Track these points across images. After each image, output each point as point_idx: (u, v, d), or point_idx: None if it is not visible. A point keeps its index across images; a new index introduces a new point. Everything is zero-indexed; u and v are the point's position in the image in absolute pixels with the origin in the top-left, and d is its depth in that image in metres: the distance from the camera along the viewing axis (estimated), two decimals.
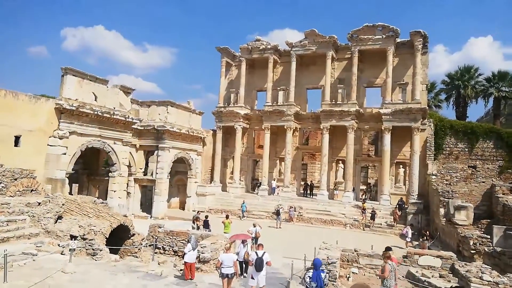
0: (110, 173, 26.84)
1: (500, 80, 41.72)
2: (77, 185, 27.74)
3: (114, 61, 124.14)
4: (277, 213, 28.85)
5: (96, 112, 23.96)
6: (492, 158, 31.79)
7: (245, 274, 13.86)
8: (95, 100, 24.57)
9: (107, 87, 25.89)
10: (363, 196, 32.02)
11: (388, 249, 11.86)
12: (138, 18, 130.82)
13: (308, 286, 9.31)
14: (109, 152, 26.04)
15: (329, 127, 33.29)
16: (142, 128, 30.39)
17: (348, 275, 13.75)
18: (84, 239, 13.95)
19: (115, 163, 26.48)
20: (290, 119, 34.70)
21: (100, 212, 16.37)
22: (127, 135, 27.33)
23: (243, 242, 14.11)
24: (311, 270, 9.65)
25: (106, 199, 24.09)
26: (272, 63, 36.50)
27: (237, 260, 11.34)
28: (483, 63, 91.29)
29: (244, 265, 14.01)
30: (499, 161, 31.54)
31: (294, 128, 35.45)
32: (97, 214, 16.19)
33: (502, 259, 15.44)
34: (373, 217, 27.70)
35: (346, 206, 31.19)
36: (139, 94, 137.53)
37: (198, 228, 22.10)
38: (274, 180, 36.40)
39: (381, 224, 28.18)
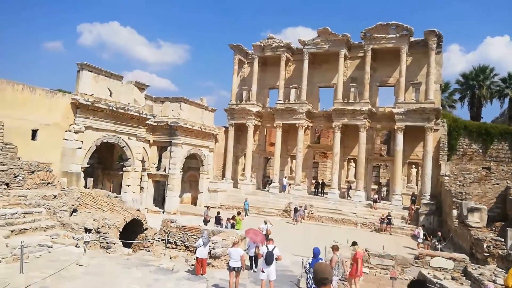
0: (124, 168, 27.20)
1: None
2: (92, 179, 28.32)
3: (129, 57, 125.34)
4: (295, 210, 29.03)
5: (111, 108, 24.29)
6: (507, 159, 31.25)
7: (255, 269, 13.97)
8: (110, 95, 24.90)
9: (122, 83, 26.22)
10: (375, 196, 31.80)
11: (354, 243, 12.90)
12: (152, 15, 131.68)
13: (308, 272, 10.28)
14: (123, 147, 26.38)
15: (341, 125, 33.14)
16: (156, 124, 30.70)
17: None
18: (98, 232, 14.23)
19: (129, 158, 26.82)
20: (302, 117, 34.64)
21: (114, 206, 16.64)
22: (141, 131, 27.65)
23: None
24: (311, 258, 10.65)
25: (120, 194, 24.42)
26: (284, 61, 36.43)
27: (244, 254, 11.65)
28: (499, 63, 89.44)
29: (254, 260, 14.13)
30: None
31: (305, 126, 35.38)
32: (111, 208, 16.47)
33: None
34: (389, 222, 27.03)
35: (357, 206, 31.06)
36: (153, 90, 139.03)
37: (206, 223, 22.36)
38: (285, 178, 36.43)
39: (392, 225, 27.96)
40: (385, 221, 27.04)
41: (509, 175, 30.86)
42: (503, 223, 25.29)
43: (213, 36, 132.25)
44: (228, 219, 21.29)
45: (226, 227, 20.08)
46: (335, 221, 29.32)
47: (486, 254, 16.95)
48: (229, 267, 11.40)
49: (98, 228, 14.45)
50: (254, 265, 14.22)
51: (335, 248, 11.61)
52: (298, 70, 36.79)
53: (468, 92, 43.79)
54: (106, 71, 24.72)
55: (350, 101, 33.07)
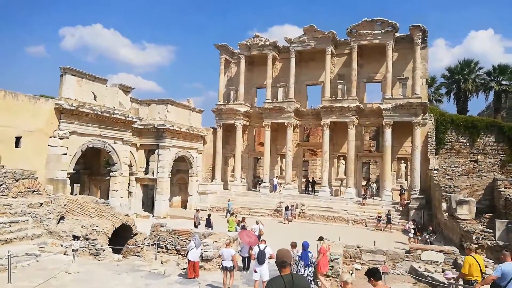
0: (111, 173, 26.83)
1: (501, 73, 41.57)
2: (79, 185, 27.84)
3: (113, 60, 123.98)
4: (286, 208, 29.10)
5: (95, 112, 23.93)
6: (493, 152, 31.71)
7: (248, 271, 13.87)
8: (95, 99, 24.54)
9: (106, 86, 25.86)
10: (363, 193, 31.92)
11: (320, 238, 13.41)
12: (136, 16, 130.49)
13: (297, 264, 11.18)
14: (109, 151, 26.01)
15: (329, 123, 33.23)
16: (142, 127, 30.36)
17: (351, 271, 13.75)
18: (87, 239, 13.97)
19: (116, 163, 26.46)
20: (290, 116, 34.63)
21: (102, 212, 16.36)
22: (127, 134, 27.30)
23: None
24: (300, 251, 11.53)
25: (107, 199, 24.10)
26: (271, 59, 36.37)
27: (235, 254, 11.72)
28: (484, 57, 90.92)
29: (247, 261, 14.04)
30: (500, 155, 31.47)
31: (294, 125, 35.38)
32: (99, 214, 16.18)
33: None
34: (389, 220, 26.56)
35: (348, 203, 31.16)
36: (139, 93, 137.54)
37: (197, 226, 22.15)
38: (275, 178, 36.37)
39: (383, 221, 28.13)
40: (384, 220, 26.84)
41: (496, 167, 31.32)
42: (491, 214, 25.51)
43: (199, 36, 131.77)
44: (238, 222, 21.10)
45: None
46: (326, 219, 29.39)
47: (475, 246, 17.11)
48: (222, 267, 11.68)
49: (87, 235, 14.18)
50: (247, 266, 14.12)
51: (292, 245, 12.43)
52: (285, 68, 36.77)
53: (454, 86, 44.32)
54: (89, 74, 24.35)
55: (338, 98, 33.19)
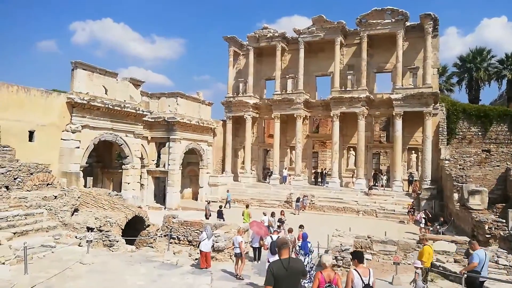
0: (123, 166, 27.15)
1: None
2: (92, 178, 28.24)
3: (123, 54, 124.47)
4: (297, 200, 29.26)
5: (107, 105, 24.16)
6: (506, 141, 31.24)
7: (259, 261, 14.03)
8: (106, 93, 24.75)
9: (117, 80, 26.04)
10: (370, 184, 31.75)
11: (300, 226, 15.16)
12: (145, 10, 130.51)
13: (298, 253, 11.84)
14: (121, 144, 26.30)
15: (339, 114, 33.05)
16: (153, 120, 30.60)
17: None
18: (101, 230, 14.25)
19: (128, 156, 26.75)
20: (299, 107, 34.51)
21: (115, 204, 16.64)
22: (138, 128, 27.55)
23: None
24: (301, 241, 12.32)
25: (120, 192, 24.41)
26: (280, 51, 36.18)
27: (242, 241, 12.16)
28: (497, 45, 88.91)
29: (258, 252, 14.19)
30: None
31: (304, 116, 35.28)
32: (112, 206, 16.47)
33: None
34: (429, 220, 24.12)
35: (358, 194, 31.11)
36: (149, 86, 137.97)
37: (208, 217, 22.35)
38: (285, 169, 36.41)
39: (394, 211, 28.07)
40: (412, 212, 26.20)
41: (509, 156, 30.88)
42: (504, 204, 25.32)
43: (208, 29, 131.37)
44: (273, 213, 19.96)
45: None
46: (336, 210, 29.40)
47: (487, 236, 17.00)
48: (234, 254, 12.38)
49: (100, 226, 14.47)
50: (258, 257, 14.27)
51: (289, 231, 14.60)
52: (294, 59, 36.56)
53: (466, 75, 43.69)
54: (100, 68, 24.55)
55: (347, 89, 32.94)
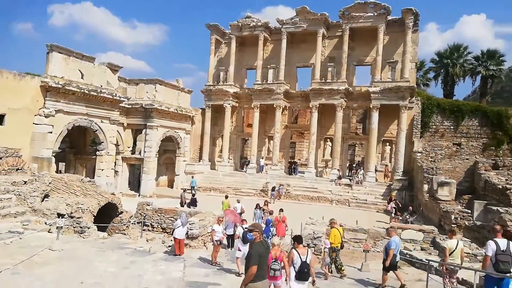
0: (97, 152, 26.69)
1: (489, 58, 41.99)
2: (64, 164, 27.69)
3: (103, 38, 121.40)
4: (272, 189, 29.63)
5: (82, 90, 23.62)
6: (476, 135, 32.35)
7: (232, 249, 14.22)
8: (82, 77, 24.21)
9: (94, 64, 25.46)
10: (339, 173, 32.14)
11: (280, 210, 16.88)
12: None
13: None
14: (96, 130, 25.81)
15: (318, 105, 33.34)
16: (130, 106, 30.09)
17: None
18: (72, 217, 14.02)
19: (102, 142, 26.30)
20: (279, 98, 34.60)
21: (87, 190, 16.39)
22: (114, 114, 27.05)
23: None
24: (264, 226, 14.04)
25: (93, 178, 24.05)
26: (262, 40, 36.01)
27: (213, 230, 12.40)
28: (474, 42, 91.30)
29: (231, 239, 14.37)
30: (483, 139, 32.16)
31: (283, 106, 35.40)
32: (85, 192, 16.21)
33: (481, 233, 15.98)
34: (399, 209, 23.94)
35: (332, 184, 31.65)
36: (128, 72, 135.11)
37: (183, 205, 22.33)
38: (262, 159, 36.60)
39: (366, 200, 28.75)
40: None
41: (478, 150, 32.03)
42: (470, 196, 26.32)
43: (192, 16, 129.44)
44: (258, 205, 19.48)
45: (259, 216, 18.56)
46: (311, 199, 29.88)
47: (453, 225, 17.65)
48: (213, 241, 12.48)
49: (72, 213, 14.23)
50: (231, 244, 14.45)
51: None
52: (276, 50, 36.48)
53: (442, 71, 44.67)
54: (77, 52, 23.92)
55: (327, 80, 33.19)
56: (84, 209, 14.48)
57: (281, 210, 16.89)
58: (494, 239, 7.79)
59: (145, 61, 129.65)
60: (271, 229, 14.85)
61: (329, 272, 11.23)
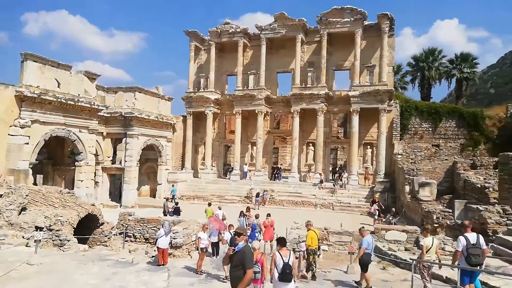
0: (76, 163, 26.06)
1: (463, 61, 43.33)
2: (42, 176, 26.86)
3: (80, 47, 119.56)
4: (257, 195, 29.56)
5: (59, 100, 23.09)
6: (454, 136, 33.21)
7: (218, 256, 14.06)
8: (58, 87, 23.67)
9: (71, 73, 24.95)
10: (321, 177, 32.27)
11: (268, 215, 17.30)
12: (104, 2, 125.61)
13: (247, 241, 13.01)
14: (74, 140, 25.22)
15: (299, 110, 33.56)
16: (109, 115, 29.58)
17: (319, 253, 14.11)
18: (51, 230, 13.56)
19: (81, 152, 25.71)
20: (261, 103, 34.68)
21: (66, 202, 15.91)
22: (93, 123, 26.53)
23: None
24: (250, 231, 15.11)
25: (73, 189, 23.43)
26: (242, 46, 36.10)
27: (199, 238, 12.49)
28: (448, 46, 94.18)
29: (216, 246, 14.22)
30: (460, 140, 33.03)
31: (265, 112, 35.48)
32: (64, 204, 15.72)
33: (463, 231, 16.24)
34: (382, 211, 24.53)
35: (316, 188, 31.79)
36: (107, 81, 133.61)
37: (166, 214, 21.98)
38: (245, 165, 36.49)
39: (349, 204, 28.98)
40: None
41: (456, 151, 32.87)
42: (451, 195, 26.88)
43: (171, 23, 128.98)
44: (242, 213, 18.88)
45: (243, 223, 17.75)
46: (295, 204, 29.93)
47: (436, 225, 17.91)
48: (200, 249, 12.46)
49: (50, 225, 13.77)
50: (216, 252, 14.27)
51: (256, 216, 17.04)
52: (256, 56, 36.62)
53: (419, 74, 45.80)
54: (52, 60, 23.40)
55: (307, 85, 33.50)
56: (63, 221, 14.03)
57: (269, 214, 17.16)
58: (464, 234, 8.19)
59: (124, 69, 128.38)
60: (256, 234, 15.10)
61: (307, 274, 11.44)
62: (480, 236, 8.16)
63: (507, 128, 32.34)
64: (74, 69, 25.44)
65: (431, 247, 9.36)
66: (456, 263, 8.34)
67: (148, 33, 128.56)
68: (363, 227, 11.49)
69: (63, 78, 24.03)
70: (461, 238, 8.13)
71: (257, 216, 16.49)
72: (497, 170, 22.83)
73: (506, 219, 14.88)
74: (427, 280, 9.20)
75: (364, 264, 10.26)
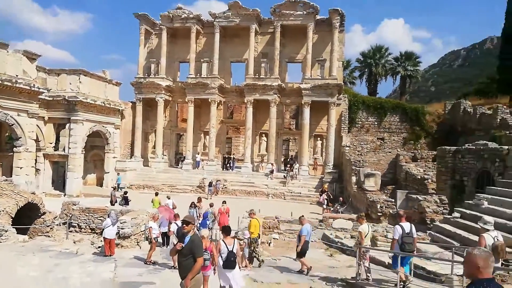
0: (14, 148, 24.24)
1: (407, 59, 45.84)
2: None
3: (19, 26, 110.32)
4: (209, 184, 29.36)
5: None
6: (397, 130, 35.22)
7: (168, 246, 13.81)
8: None
9: (7, 52, 23.00)
10: (272, 167, 32.81)
11: (223, 202, 17.36)
12: None
13: (199, 229, 13.07)
14: (12, 125, 23.42)
15: (252, 100, 33.66)
16: (51, 98, 27.74)
17: (269, 241, 14.37)
18: None
19: (20, 137, 23.94)
20: (214, 92, 34.30)
21: (3, 190, 14.76)
22: (33, 106, 24.74)
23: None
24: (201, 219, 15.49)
25: (11, 177, 21.82)
26: (194, 33, 35.29)
27: (150, 227, 12.37)
28: (394, 45, 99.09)
29: (167, 237, 13.96)
30: (403, 133, 35.10)
31: (218, 101, 35.16)
32: (0, 192, 14.59)
33: (398, 220, 17.31)
34: (331, 201, 25.33)
35: (268, 178, 32.25)
36: (49, 62, 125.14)
37: (114, 203, 21.19)
38: (198, 154, 36.06)
39: (300, 193, 29.74)
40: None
41: (399, 144, 34.91)
42: (394, 186, 28.55)
43: (119, 4, 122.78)
44: (193, 204, 17.83)
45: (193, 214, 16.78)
46: (248, 193, 30.14)
47: (379, 214, 18.98)
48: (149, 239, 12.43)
49: None
50: (166, 242, 14.01)
51: (210, 205, 16.64)
52: (209, 43, 36.03)
53: (366, 70, 47.80)
54: None
55: (261, 76, 33.64)
56: (0, 211, 13.04)
57: (224, 202, 17.29)
58: (400, 223, 8.77)
59: (69, 51, 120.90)
60: (208, 222, 15.06)
61: (249, 263, 11.53)
62: (413, 225, 8.82)
63: (445, 124, 34.88)
64: (12, 48, 23.52)
65: (367, 233, 9.86)
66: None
67: (95, 13, 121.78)
68: (302, 216, 11.78)
69: None
70: (398, 227, 8.70)
71: (211, 205, 16.40)
72: (435, 163, 24.61)
73: (442, 208, 16.09)
74: (365, 259, 9.68)
75: (304, 252, 10.66)
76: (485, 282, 3.10)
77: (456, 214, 12.96)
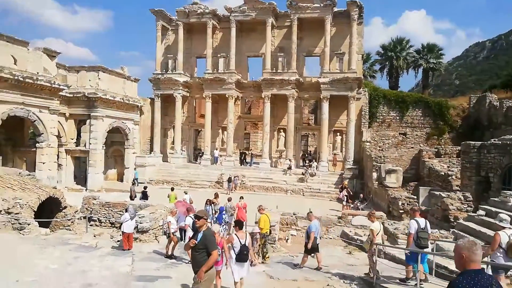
0: (37, 144, 24.82)
1: (429, 52, 44.50)
2: (0, 157, 25.45)
3: (39, 24, 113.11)
4: (228, 180, 29.41)
5: (16, 77, 21.74)
6: (420, 125, 34.25)
7: (184, 241, 13.82)
8: (15, 63, 22.22)
9: (28, 49, 23.49)
10: (290, 163, 32.44)
11: (241, 197, 17.70)
12: None
13: (215, 223, 14.93)
14: (34, 121, 23.96)
15: (270, 95, 33.38)
16: (72, 95, 28.25)
17: (287, 237, 14.20)
18: (9, 213, 12.87)
19: (42, 133, 24.48)
20: (231, 88, 34.19)
21: (26, 184, 15.08)
22: (54, 103, 25.25)
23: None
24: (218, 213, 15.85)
25: (34, 172, 22.33)
26: (211, 28, 35.18)
27: (169, 221, 12.47)
28: (416, 36, 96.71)
29: (184, 231, 13.95)
30: (426, 128, 34.12)
31: (235, 96, 35.04)
32: (23, 186, 14.89)
33: (427, 217, 16.83)
34: (351, 197, 24.65)
35: (286, 174, 31.98)
36: (70, 59, 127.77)
37: (133, 198, 21.44)
38: (216, 150, 36.11)
39: (319, 190, 29.37)
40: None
41: (422, 139, 33.96)
42: (416, 182, 27.82)
43: (137, 1, 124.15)
44: (208, 201, 17.63)
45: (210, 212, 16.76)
46: (266, 189, 29.99)
47: (401, 211, 18.50)
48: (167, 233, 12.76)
49: (9, 208, 13.03)
50: (184, 236, 14.01)
51: (228, 199, 17.05)
52: (225, 38, 35.84)
53: (387, 63, 46.65)
54: (7, 35, 21.95)
55: (278, 71, 33.29)
56: (22, 204, 13.31)
57: (241, 197, 17.49)
58: (415, 218, 8.62)
59: (89, 48, 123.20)
60: (224, 216, 15.32)
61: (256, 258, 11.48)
62: (427, 221, 8.74)
63: (470, 118, 33.73)
64: (34, 46, 24.06)
65: (379, 231, 9.66)
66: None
67: (114, 10, 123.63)
68: (310, 212, 11.68)
69: (20, 55, 22.64)
70: (413, 221, 8.59)
71: (229, 199, 16.55)
72: (459, 159, 23.80)
73: (466, 206, 15.49)
74: (374, 254, 9.49)
75: (314, 248, 10.64)
76: (473, 273, 3.08)
77: (481, 212, 12.47)
